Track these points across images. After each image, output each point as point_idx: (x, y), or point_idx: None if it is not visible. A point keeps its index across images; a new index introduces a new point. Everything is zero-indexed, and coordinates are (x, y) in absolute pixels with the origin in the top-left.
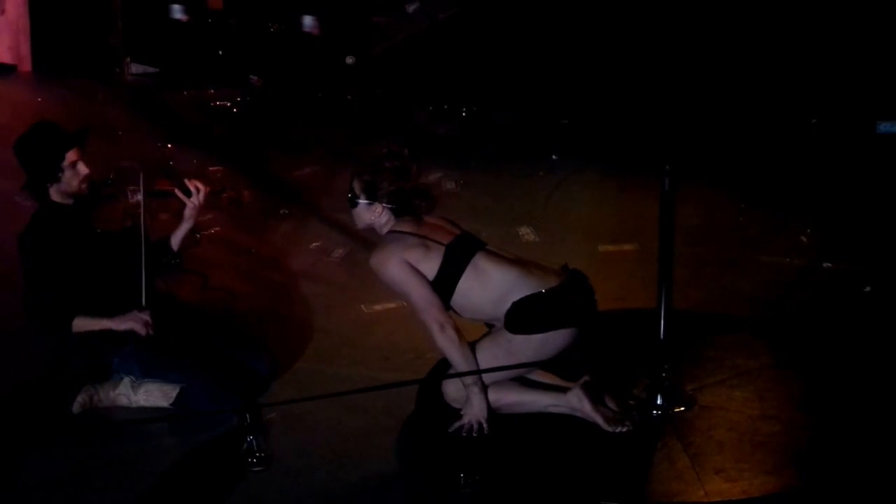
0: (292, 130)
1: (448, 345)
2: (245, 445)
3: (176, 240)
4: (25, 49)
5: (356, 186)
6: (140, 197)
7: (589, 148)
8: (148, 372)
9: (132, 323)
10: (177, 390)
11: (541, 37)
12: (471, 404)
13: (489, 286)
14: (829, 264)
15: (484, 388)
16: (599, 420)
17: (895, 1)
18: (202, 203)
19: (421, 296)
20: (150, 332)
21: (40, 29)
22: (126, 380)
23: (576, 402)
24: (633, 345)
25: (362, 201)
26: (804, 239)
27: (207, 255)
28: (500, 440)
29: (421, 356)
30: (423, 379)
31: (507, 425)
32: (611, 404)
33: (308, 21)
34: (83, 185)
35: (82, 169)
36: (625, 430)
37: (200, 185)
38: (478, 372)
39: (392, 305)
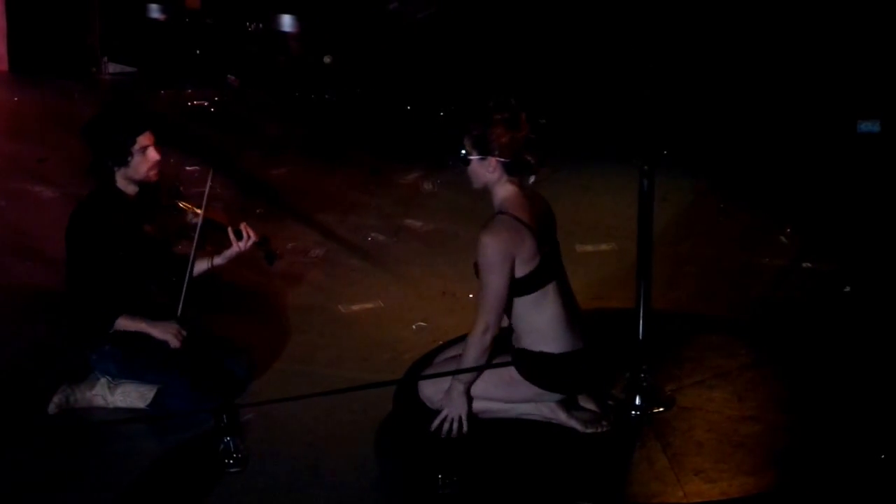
0: (269, 130)
1: (477, 347)
2: (222, 446)
3: (201, 268)
4: (2, 49)
5: (467, 143)
6: (199, 221)
7: (567, 147)
8: (124, 372)
9: (169, 334)
10: (153, 391)
11: (518, 37)
12: (451, 398)
13: (539, 318)
14: (809, 264)
15: (468, 389)
16: (576, 425)
17: (873, 2)
18: (245, 250)
19: (497, 293)
20: (179, 344)
21: (17, 29)
22: (102, 380)
23: (548, 412)
24: (611, 345)
25: (475, 157)
26: (783, 239)
27: None
28: (478, 441)
29: (398, 357)
30: (400, 379)
31: (485, 426)
32: (588, 405)
33: (285, 20)
34: (151, 172)
35: (153, 155)
36: (602, 430)
37: (252, 234)
38: (457, 372)
39: (370, 306)
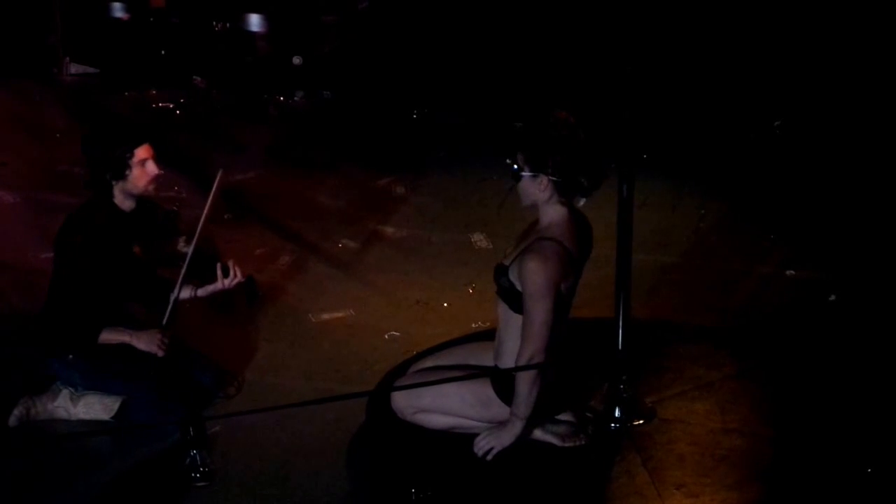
0: (236, 132)
1: (527, 380)
2: (188, 460)
3: (183, 296)
4: None
5: (520, 158)
6: (190, 250)
7: None
8: (89, 382)
9: (153, 345)
10: (118, 402)
11: (492, 38)
12: (507, 431)
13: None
14: (793, 272)
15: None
16: (552, 439)
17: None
18: (229, 288)
19: (544, 321)
20: (164, 354)
21: None
22: (65, 391)
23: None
24: (590, 355)
25: (526, 174)
26: (767, 246)
27: None
28: (453, 454)
29: (369, 367)
30: (372, 391)
31: (459, 440)
32: (565, 418)
33: (254, 20)
34: (150, 187)
35: (151, 168)
36: (580, 444)
37: (239, 273)
38: (431, 383)
39: (340, 315)
